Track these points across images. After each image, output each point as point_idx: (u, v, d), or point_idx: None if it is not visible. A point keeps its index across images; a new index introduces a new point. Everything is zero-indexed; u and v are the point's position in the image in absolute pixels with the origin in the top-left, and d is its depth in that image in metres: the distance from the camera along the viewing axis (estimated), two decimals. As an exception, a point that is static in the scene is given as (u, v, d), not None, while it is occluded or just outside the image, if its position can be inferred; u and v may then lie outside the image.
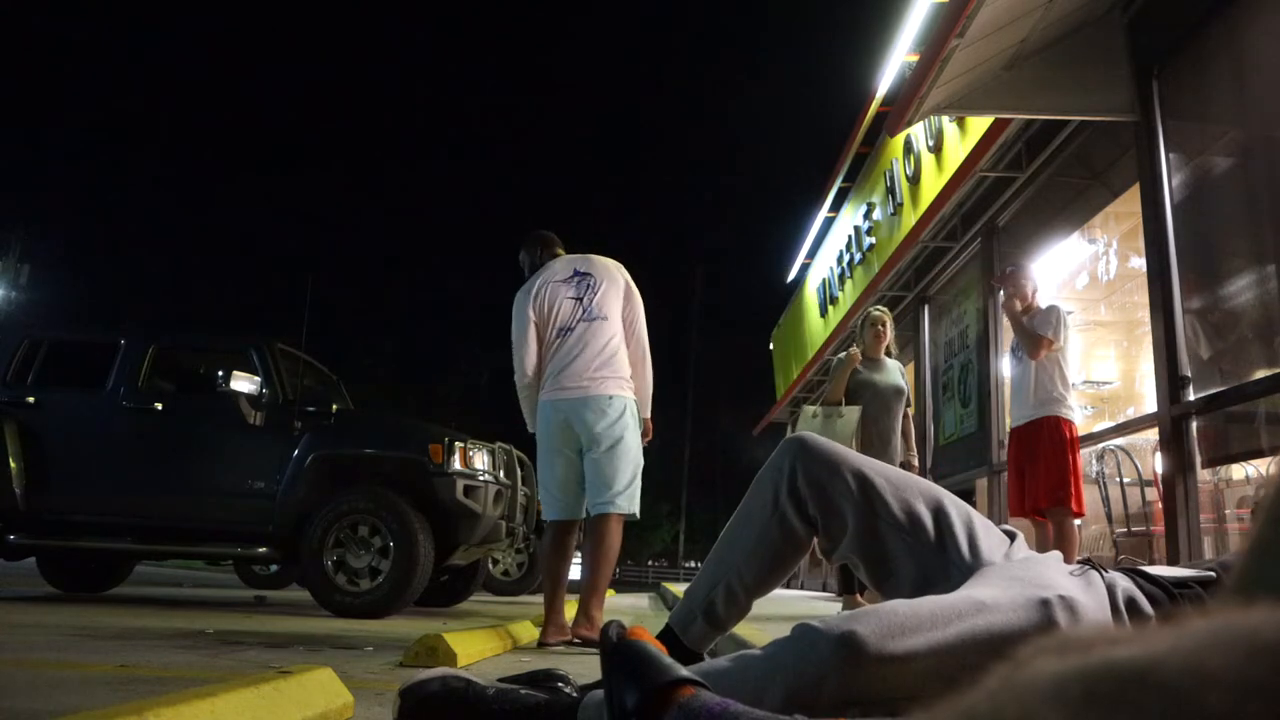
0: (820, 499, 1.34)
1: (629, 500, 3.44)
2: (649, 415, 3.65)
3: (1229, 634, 0.25)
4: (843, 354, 4.86)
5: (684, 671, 0.95)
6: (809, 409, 4.72)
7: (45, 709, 1.49)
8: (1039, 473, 4.04)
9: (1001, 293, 4.44)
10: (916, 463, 5.18)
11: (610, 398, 3.44)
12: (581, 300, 3.53)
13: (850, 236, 9.10)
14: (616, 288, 3.58)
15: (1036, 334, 4.13)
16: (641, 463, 3.53)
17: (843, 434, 4.55)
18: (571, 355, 3.47)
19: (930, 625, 1.00)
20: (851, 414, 4.62)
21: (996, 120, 5.27)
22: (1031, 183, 5.82)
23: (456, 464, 4.83)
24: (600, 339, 3.47)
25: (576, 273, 3.59)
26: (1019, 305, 4.33)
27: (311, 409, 5.03)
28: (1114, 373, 7.47)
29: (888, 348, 4.89)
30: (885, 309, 5.03)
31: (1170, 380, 3.92)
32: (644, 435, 3.62)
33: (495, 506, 5.05)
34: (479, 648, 2.85)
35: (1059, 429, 4.03)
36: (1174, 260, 3.99)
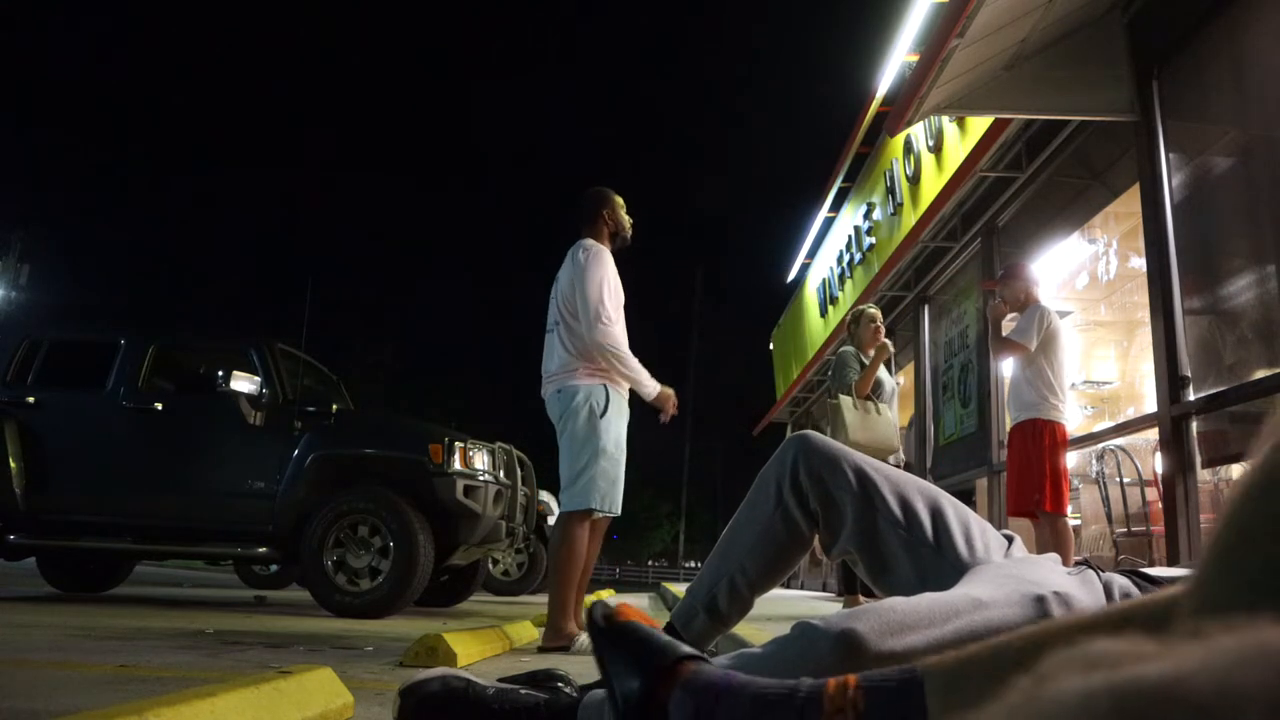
0: (821, 492, 1.37)
1: (582, 496, 3.23)
2: (654, 393, 3.39)
3: (1262, 650, 0.24)
4: (846, 348, 4.82)
5: (683, 648, 0.93)
6: (846, 399, 4.50)
7: (45, 709, 1.50)
8: (1017, 475, 4.14)
9: (997, 296, 4.44)
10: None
11: (558, 391, 3.34)
12: (554, 300, 3.50)
13: (850, 236, 9.10)
14: (573, 277, 3.39)
15: (1005, 342, 4.21)
16: (596, 450, 3.24)
17: (888, 432, 4.48)
18: (547, 357, 3.47)
19: (929, 623, 1.00)
20: (887, 412, 4.56)
21: (996, 120, 5.27)
22: (1031, 183, 5.82)
23: (456, 464, 4.83)
24: (557, 343, 3.40)
25: (560, 272, 3.56)
26: (1005, 310, 4.36)
27: (311, 409, 5.03)
28: (1114, 373, 7.46)
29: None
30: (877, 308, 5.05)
31: (1170, 380, 3.92)
32: (665, 407, 3.42)
33: (495, 506, 5.05)
34: (479, 648, 2.85)
35: (1039, 432, 4.07)
36: (1174, 260, 3.99)
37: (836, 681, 0.81)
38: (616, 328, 3.34)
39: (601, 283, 3.35)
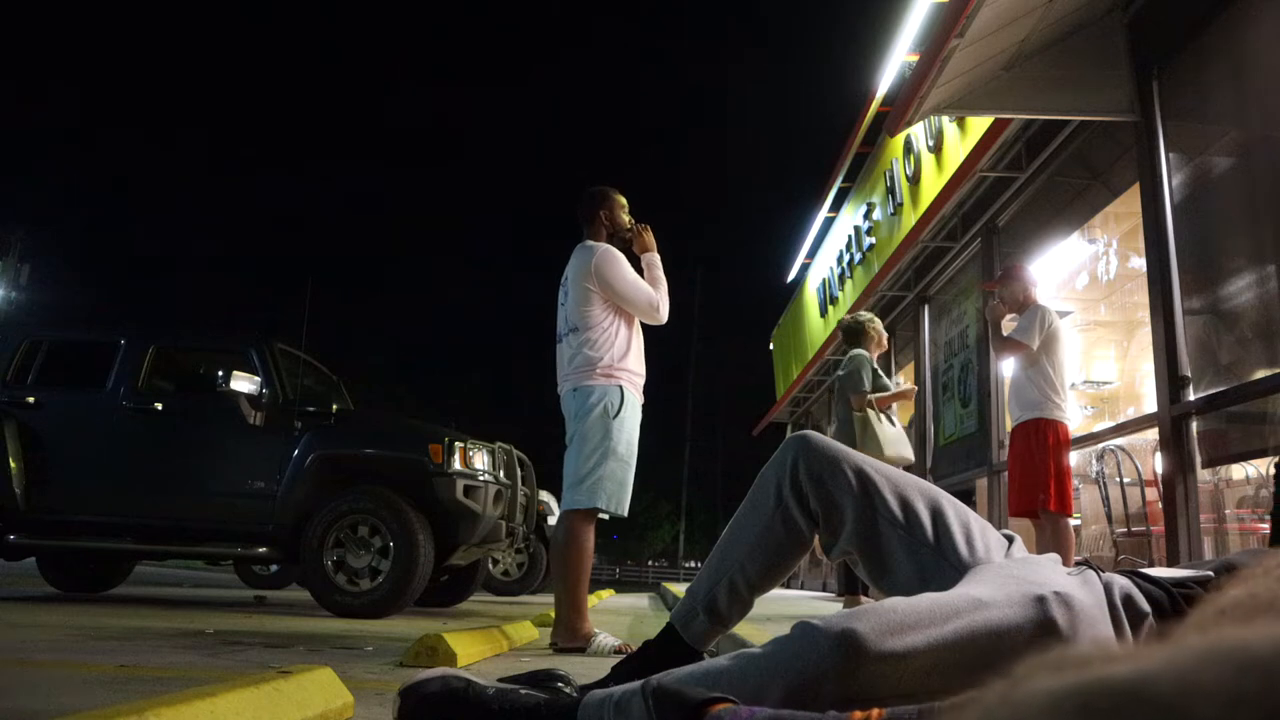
0: (821, 493, 1.36)
1: (588, 495, 3.23)
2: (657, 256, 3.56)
3: (1221, 650, 0.25)
4: (860, 352, 4.85)
5: (709, 693, 0.95)
6: (873, 414, 4.62)
7: (45, 709, 1.49)
8: (1020, 474, 4.14)
9: (996, 297, 4.44)
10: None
11: (574, 390, 3.34)
12: (564, 306, 3.49)
13: (850, 236, 9.10)
14: (583, 284, 3.39)
15: (1006, 341, 4.23)
16: (607, 451, 3.25)
17: (907, 443, 4.66)
18: (560, 361, 3.48)
19: (929, 622, 1.00)
20: (899, 421, 4.78)
21: (996, 120, 5.27)
22: (1031, 183, 5.82)
23: (456, 464, 4.83)
24: (571, 349, 3.40)
25: (565, 277, 3.54)
26: (1004, 311, 4.37)
27: (311, 409, 5.02)
28: (1114, 373, 7.47)
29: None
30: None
31: (1170, 380, 3.92)
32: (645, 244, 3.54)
33: (495, 506, 5.05)
34: (479, 648, 2.85)
35: (1042, 431, 4.07)
36: (1174, 260, 3.99)
37: (861, 714, 0.82)
38: (656, 299, 3.43)
39: (631, 278, 3.41)
